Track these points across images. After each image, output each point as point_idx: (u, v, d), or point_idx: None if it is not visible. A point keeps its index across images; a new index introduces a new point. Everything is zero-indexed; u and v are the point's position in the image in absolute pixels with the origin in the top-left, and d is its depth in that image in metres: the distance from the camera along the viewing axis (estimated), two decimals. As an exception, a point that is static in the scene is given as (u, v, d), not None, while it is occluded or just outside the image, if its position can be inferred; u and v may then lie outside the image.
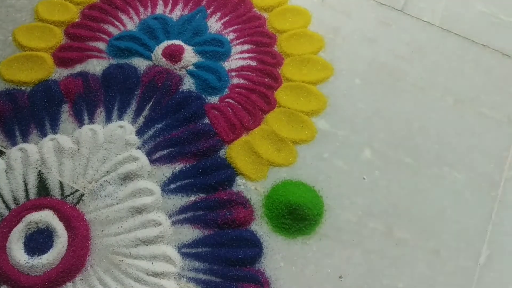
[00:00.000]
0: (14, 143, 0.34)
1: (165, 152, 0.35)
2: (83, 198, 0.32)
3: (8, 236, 0.30)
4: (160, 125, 0.36)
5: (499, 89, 0.40)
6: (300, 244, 0.32)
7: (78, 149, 0.34)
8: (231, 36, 0.41)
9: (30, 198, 0.32)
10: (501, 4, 0.45)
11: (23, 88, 0.37)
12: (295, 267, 0.31)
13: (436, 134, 0.37)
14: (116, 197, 0.32)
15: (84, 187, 0.33)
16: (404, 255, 0.31)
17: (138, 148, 0.35)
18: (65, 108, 0.37)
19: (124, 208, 0.32)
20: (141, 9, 0.43)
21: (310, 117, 0.37)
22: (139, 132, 0.36)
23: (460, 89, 0.39)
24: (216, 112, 0.37)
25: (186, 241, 0.31)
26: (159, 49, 0.39)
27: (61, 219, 0.31)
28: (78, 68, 0.39)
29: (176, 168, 0.34)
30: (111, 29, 0.41)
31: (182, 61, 0.39)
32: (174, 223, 0.32)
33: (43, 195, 0.32)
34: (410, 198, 0.34)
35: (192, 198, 0.33)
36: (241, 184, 0.34)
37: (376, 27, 0.43)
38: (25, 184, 0.33)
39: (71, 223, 0.31)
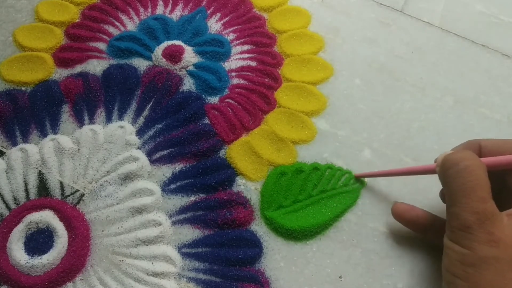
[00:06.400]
0: (14, 143, 0.35)
1: (165, 152, 0.35)
2: (83, 198, 0.32)
3: (9, 236, 0.30)
4: (160, 126, 0.36)
5: (499, 89, 0.40)
6: (300, 244, 0.32)
7: (79, 149, 0.34)
8: (231, 36, 0.41)
9: (31, 198, 0.32)
10: (501, 4, 0.45)
11: (23, 88, 0.37)
12: (295, 267, 0.31)
13: (436, 134, 0.37)
14: (116, 197, 0.32)
15: (84, 187, 0.33)
16: (404, 255, 0.31)
17: (138, 148, 0.35)
18: (66, 108, 0.37)
19: (124, 208, 0.32)
20: (141, 9, 0.43)
21: (310, 117, 0.37)
22: (139, 133, 0.36)
23: (460, 89, 0.39)
24: (216, 113, 0.37)
25: (186, 241, 0.31)
26: (159, 50, 0.39)
27: (62, 219, 0.31)
28: (78, 68, 0.39)
29: (176, 168, 0.34)
30: (111, 29, 0.41)
31: (182, 61, 0.39)
32: (174, 223, 0.32)
33: (43, 195, 0.32)
34: (410, 198, 0.34)
35: (192, 198, 0.33)
36: (241, 184, 0.34)
37: (376, 27, 0.43)
38: (26, 184, 0.33)
39: (71, 223, 0.31)
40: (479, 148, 0.28)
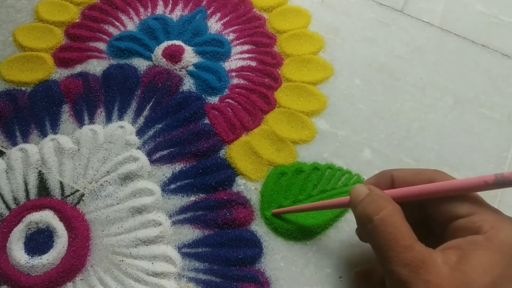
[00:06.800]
0: (14, 143, 0.35)
1: (165, 152, 0.35)
2: (83, 198, 0.33)
3: (9, 236, 0.30)
4: (160, 126, 0.36)
5: (499, 89, 0.40)
6: (300, 244, 0.32)
7: (79, 149, 0.34)
8: (231, 36, 0.41)
9: (31, 198, 0.32)
10: (500, 4, 0.45)
11: (23, 88, 0.37)
12: (295, 267, 0.31)
13: (436, 134, 0.37)
14: (116, 197, 0.32)
15: (84, 187, 0.33)
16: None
17: (138, 148, 0.35)
18: (66, 108, 0.37)
19: (124, 208, 0.32)
20: (141, 9, 0.43)
21: (310, 117, 0.37)
22: (139, 133, 0.36)
23: (460, 89, 0.39)
24: (216, 113, 0.37)
25: (186, 241, 0.31)
26: (159, 50, 0.39)
27: (62, 219, 0.31)
28: (78, 68, 0.39)
29: (176, 168, 0.34)
30: (111, 29, 0.41)
31: (182, 61, 0.39)
32: (174, 223, 0.32)
33: (43, 195, 0.32)
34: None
35: (192, 198, 0.33)
36: (241, 184, 0.34)
37: (376, 27, 0.43)
38: (26, 184, 0.33)
39: (71, 223, 0.31)
40: (391, 179, 0.27)
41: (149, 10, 0.43)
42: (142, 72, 0.39)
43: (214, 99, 0.38)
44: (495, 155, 0.36)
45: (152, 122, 0.36)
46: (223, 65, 0.39)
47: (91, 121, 0.36)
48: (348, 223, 0.32)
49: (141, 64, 0.39)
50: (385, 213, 0.23)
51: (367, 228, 0.24)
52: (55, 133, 0.35)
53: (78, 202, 0.32)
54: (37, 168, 0.33)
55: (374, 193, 0.25)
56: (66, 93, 0.37)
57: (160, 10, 0.43)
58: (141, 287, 0.29)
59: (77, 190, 0.33)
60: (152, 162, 0.34)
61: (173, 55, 0.39)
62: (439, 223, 0.25)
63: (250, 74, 0.39)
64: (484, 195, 0.34)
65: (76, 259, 0.30)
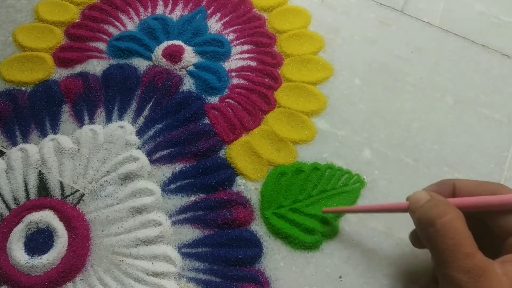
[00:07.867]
0: (14, 143, 0.35)
1: (165, 152, 0.35)
2: (83, 198, 0.33)
3: (9, 236, 0.30)
4: (160, 126, 0.36)
5: (499, 89, 0.40)
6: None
7: (79, 149, 0.34)
8: (231, 36, 0.41)
9: (31, 198, 0.32)
10: (500, 4, 0.45)
11: (23, 88, 0.37)
12: (295, 267, 0.31)
13: (436, 134, 0.37)
14: (116, 197, 0.32)
15: (85, 187, 0.33)
16: (403, 255, 0.31)
17: (138, 148, 0.35)
18: (66, 108, 0.37)
19: (124, 208, 0.32)
20: (141, 9, 0.43)
21: (310, 117, 0.37)
22: (139, 133, 0.36)
23: (460, 89, 0.39)
24: (216, 112, 0.37)
25: (186, 241, 0.31)
26: (159, 50, 0.39)
27: (62, 219, 0.31)
28: (78, 68, 0.39)
29: (176, 168, 0.34)
30: (111, 29, 0.41)
31: (182, 61, 0.39)
32: (174, 223, 0.32)
33: (43, 195, 0.32)
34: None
35: (192, 198, 0.33)
36: (241, 184, 0.34)
37: (376, 27, 0.43)
38: (26, 184, 0.33)
39: (71, 223, 0.31)
40: (453, 188, 0.27)
41: (149, 10, 0.43)
42: (142, 72, 0.39)
43: (214, 99, 0.38)
44: (495, 155, 0.36)
45: (152, 122, 0.36)
46: (223, 65, 0.39)
47: (91, 121, 0.36)
48: (348, 223, 0.32)
49: (141, 64, 0.39)
50: (448, 218, 0.23)
51: (427, 232, 0.24)
52: (55, 133, 0.35)
53: (78, 202, 0.32)
54: (37, 168, 0.33)
55: (436, 199, 0.25)
56: (66, 93, 0.37)
57: (160, 10, 0.43)
58: (141, 287, 0.29)
59: (77, 190, 0.33)
60: (152, 162, 0.34)
61: (173, 55, 0.39)
62: (497, 236, 0.25)
63: (250, 74, 0.39)
64: None
65: (76, 259, 0.30)
